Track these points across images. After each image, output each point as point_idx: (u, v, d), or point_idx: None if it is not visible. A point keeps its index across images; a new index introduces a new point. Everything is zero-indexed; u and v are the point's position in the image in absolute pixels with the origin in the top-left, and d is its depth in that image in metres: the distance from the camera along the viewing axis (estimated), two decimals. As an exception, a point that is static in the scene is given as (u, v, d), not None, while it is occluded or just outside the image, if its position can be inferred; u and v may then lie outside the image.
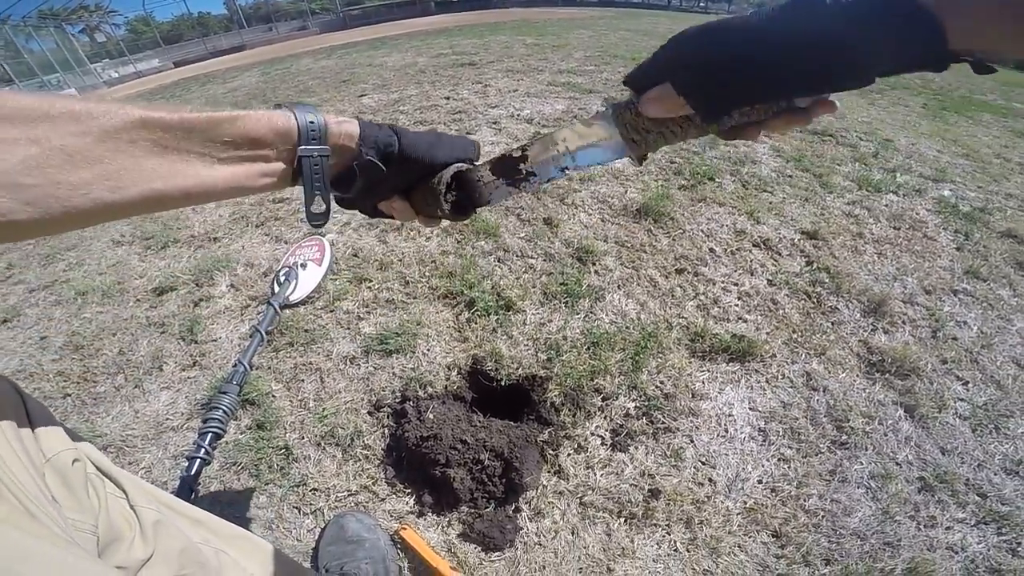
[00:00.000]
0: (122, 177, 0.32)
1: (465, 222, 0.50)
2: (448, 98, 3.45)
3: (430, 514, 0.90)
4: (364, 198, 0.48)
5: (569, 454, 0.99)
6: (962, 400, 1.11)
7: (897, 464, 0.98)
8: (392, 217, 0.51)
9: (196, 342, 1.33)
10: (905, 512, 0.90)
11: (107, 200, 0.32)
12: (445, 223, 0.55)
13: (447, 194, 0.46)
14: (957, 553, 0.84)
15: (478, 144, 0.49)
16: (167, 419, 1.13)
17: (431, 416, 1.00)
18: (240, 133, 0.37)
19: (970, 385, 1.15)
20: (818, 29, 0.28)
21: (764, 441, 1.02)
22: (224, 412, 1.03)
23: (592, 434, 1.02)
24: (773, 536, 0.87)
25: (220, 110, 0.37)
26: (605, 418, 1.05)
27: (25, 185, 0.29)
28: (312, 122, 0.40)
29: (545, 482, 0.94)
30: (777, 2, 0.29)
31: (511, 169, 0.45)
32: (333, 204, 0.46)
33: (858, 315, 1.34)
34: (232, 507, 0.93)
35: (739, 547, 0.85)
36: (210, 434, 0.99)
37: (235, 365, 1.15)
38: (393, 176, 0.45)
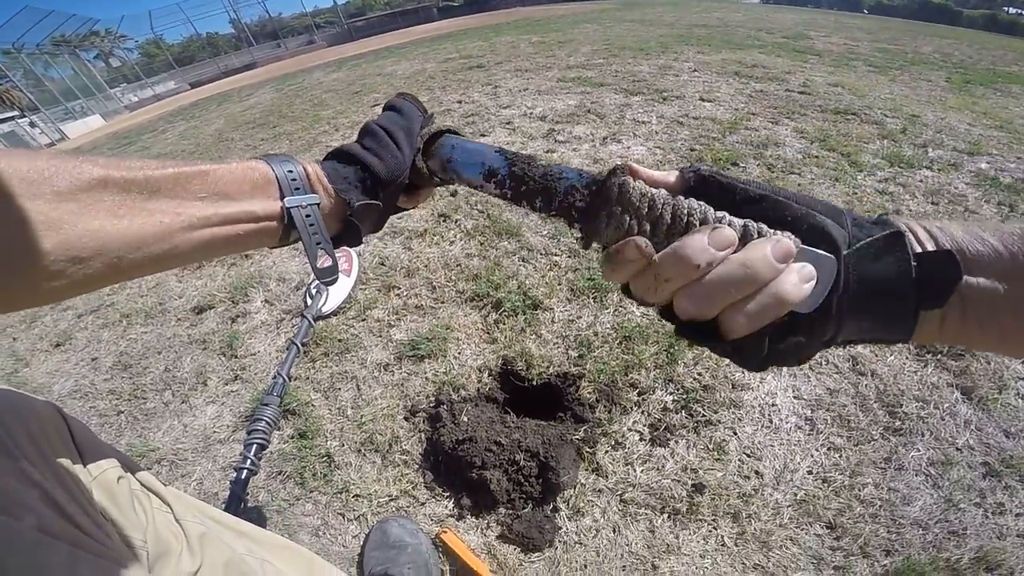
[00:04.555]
0: (85, 244, 0.27)
1: (449, 184, 0.42)
2: (460, 102, 3.47)
3: (469, 517, 0.91)
4: (377, 225, 0.44)
5: (607, 451, 0.97)
6: (1024, 379, 1.05)
7: (958, 449, 0.93)
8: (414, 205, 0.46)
9: (236, 357, 1.38)
10: (970, 499, 0.85)
11: (69, 272, 0.27)
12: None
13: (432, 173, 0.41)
14: (1031, 541, 0.79)
15: (417, 100, 0.44)
16: (214, 432, 1.17)
17: (465, 419, 1.01)
18: (213, 189, 0.33)
19: (1032, 363, 1.08)
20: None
21: (812, 430, 0.98)
22: (267, 423, 1.06)
23: (630, 430, 1.00)
24: (827, 528, 0.83)
25: (190, 164, 0.33)
26: (642, 413, 1.03)
27: None
28: (291, 171, 0.37)
29: (583, 480, 0.93)
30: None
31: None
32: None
33: (902, 295, 1.28)
34: (280, 515, 0.96)
35: (791, 540, 0.82)
36: (255, 445, 1.02)
37: (275, 377, 1.18)
38: (389, 197, 0.41)
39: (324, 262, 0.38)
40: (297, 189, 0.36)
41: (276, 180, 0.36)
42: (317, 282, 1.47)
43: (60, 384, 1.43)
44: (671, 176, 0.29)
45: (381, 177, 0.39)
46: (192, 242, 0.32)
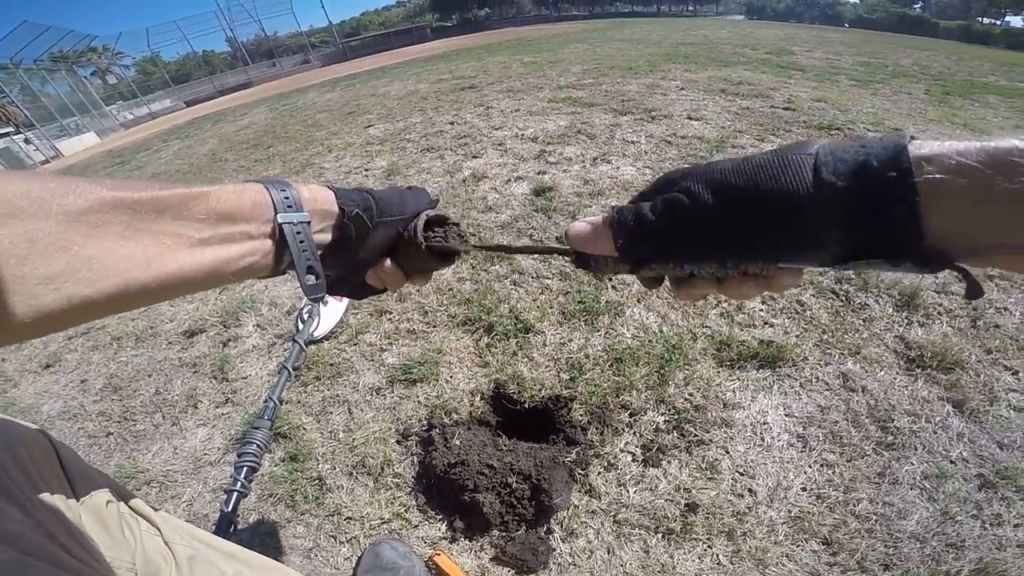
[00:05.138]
0: (94, 267, 0.27)
1: (449, 266, 0.48)
2: (452, 123, 3.53)
3: (462, 539, 0.90)
4: (355, 268, 0.46)
5: (599, 472, 0.97)
6: (1015, 391, 1.05)
7: (951, 462, 0.93)
8: (383, 291, 0.50)
9: (227, 380, 1.37)
10: (966, 511, 0.85)
11: (81, 296, 0.27)
12: (434, 273, 0.55)
13: (425, 239, 0.45)
14: (1031, 550, 0.79)
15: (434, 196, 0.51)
16: (204, 454, 1.15)
17: (457, 442, 1.00)
18: (214, 210, 0.34)
19: (1021, 375, 1.09)
20: (789, 205, 0.26)
21: (804, 447, 0.98)
22: (258, 446, 1.05)
23: (622, 451, 1.00)
24: (823, 544, 0.83)
25: (191, 186, 0.33)
26: (634, 434, 1.03)
27: None
28: (284, 191, 0.38)
29: (576, 502, 0.92)
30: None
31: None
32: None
33: (890, 310, 1.30)
34: (271, 538, 0.94)
35: (787, 557, 0.81)
36: (246, 468, 1.01)
37: (266, 401, 1.18)
38: (378, 236, 0.44)
39: (311, 279, 0.40)
40: (290, 207, 0.38)
41: (271, 201, 0.37)
42: (309, 307, 1.47)
43: (49, 405, 1.42)
44: (610, 243, 0.33)
45: (381, 204, 0.43)
46: (196, 261, 0.32)
